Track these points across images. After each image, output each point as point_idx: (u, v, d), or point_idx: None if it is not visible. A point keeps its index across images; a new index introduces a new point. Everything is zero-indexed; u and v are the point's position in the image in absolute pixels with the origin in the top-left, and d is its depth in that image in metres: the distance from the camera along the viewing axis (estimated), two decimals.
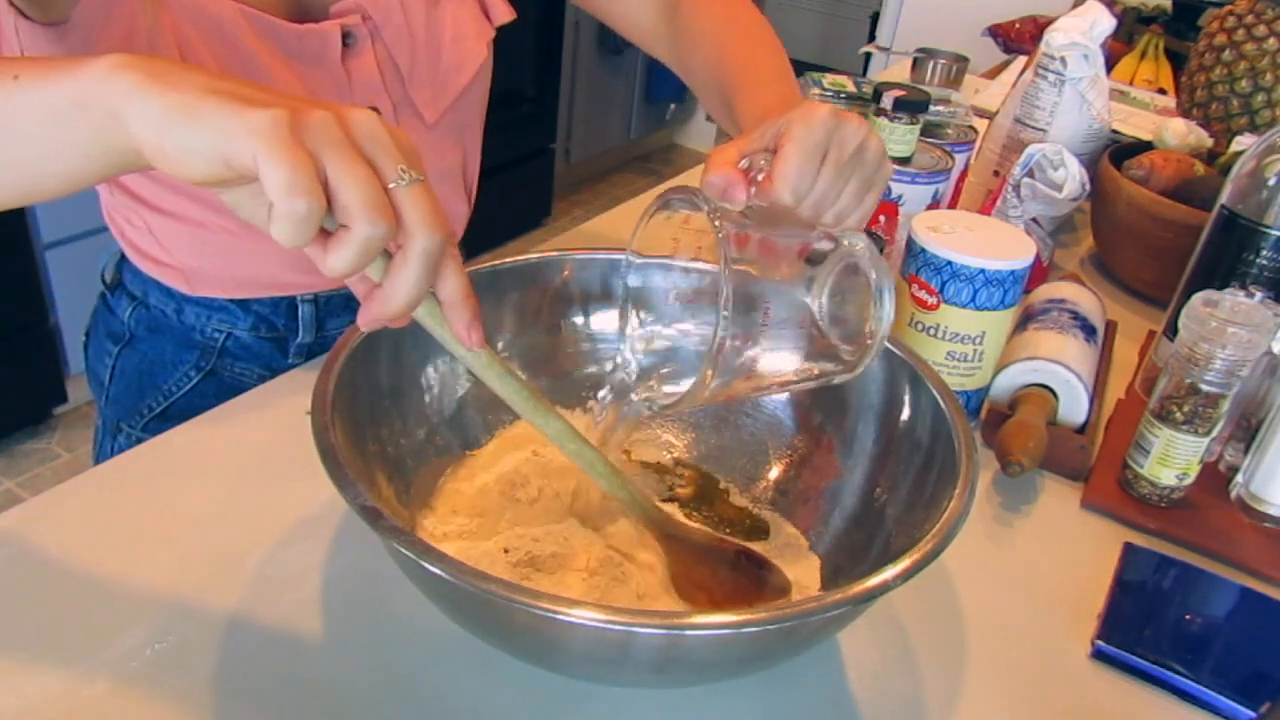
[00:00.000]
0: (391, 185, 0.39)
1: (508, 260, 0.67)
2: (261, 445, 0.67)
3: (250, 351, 0.82)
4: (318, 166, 0.37)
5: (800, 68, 1.28)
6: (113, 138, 0.39)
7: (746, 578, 0.57)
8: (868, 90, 1.02)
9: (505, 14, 0.82)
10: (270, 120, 0.36)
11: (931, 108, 0.97)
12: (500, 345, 0.67)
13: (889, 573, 0.44)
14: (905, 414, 0.60)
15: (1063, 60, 1.03)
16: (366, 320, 0.42)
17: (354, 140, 0.38)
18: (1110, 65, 1.53)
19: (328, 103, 0.39)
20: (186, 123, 0.37)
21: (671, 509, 0.63)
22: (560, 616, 0.41)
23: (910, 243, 0.73)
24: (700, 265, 0.56)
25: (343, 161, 0.37)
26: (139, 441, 0.68)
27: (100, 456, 0.88)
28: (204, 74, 0.39)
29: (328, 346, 0.84)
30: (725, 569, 0.57)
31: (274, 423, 0.70)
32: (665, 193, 0.52)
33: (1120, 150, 1.07)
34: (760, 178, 0.54)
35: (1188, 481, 0.70)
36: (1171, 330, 0.80)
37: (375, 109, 0.41)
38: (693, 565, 0.56)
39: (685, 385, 0.48)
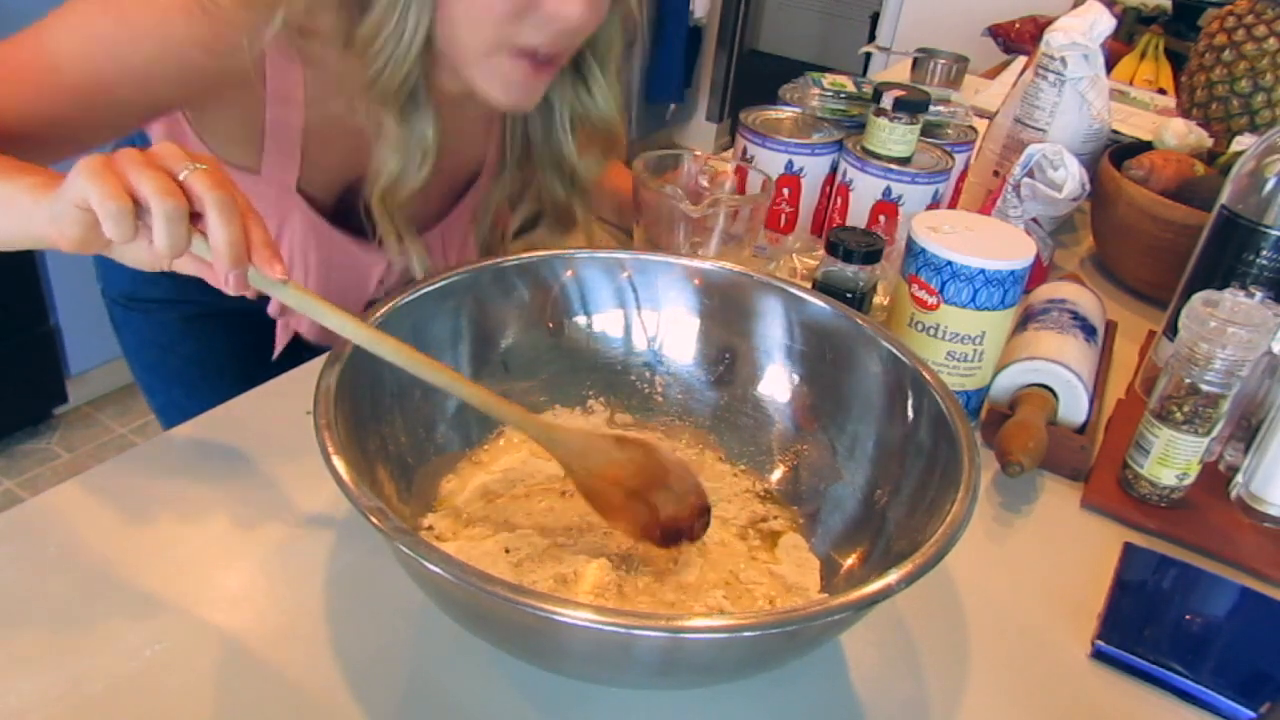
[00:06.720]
0: (182, 175, 0.50)
1: (511, 258, 0.67)
2: (262, 445, 0.67)
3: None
4: (125, 182, 0.49)
5: (800, 68, 1.28)
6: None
7: (640, 453, 0.59)
8: (868, 90, 1.02)
9: None
10: (85, 161, 0.50)
11: (931, 108, 0.97)
12: (503, 344, 0.68)
13: (891, 578, 0.44)
14: (907, 417, 0.60)
15: (1063, 60, 1.03)
16: (226, 281, 0.51)
17: (150, 159, 0.51)
18: (1110, 65, 1.53)
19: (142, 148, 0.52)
20: (53, 198, 0.52)
21: None
22: (561, 618, 0.41)
23: (910, 243, 0.73)
24: None
25: (139, 170, 0.50)
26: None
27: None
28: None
29: None
30: (617, 453, 0.59)
31: (274, 422, 0.70)
32: None
33: (1120, 150, 1.07)
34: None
35: (1188, 481, 0.70)
36: (1171, 330, 0.80)
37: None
38: (591, 468, 0.59)
39: None
